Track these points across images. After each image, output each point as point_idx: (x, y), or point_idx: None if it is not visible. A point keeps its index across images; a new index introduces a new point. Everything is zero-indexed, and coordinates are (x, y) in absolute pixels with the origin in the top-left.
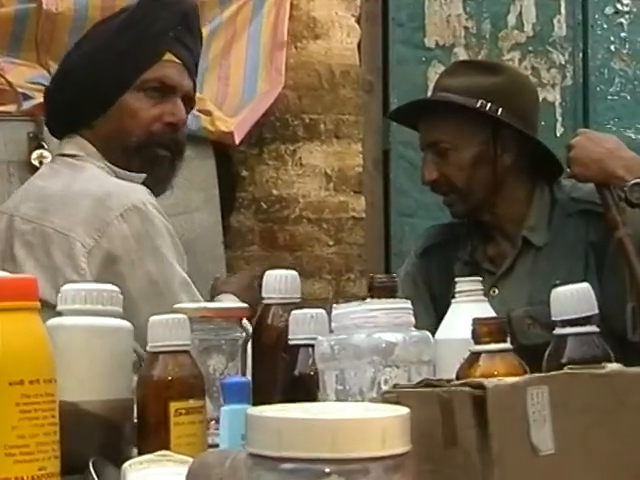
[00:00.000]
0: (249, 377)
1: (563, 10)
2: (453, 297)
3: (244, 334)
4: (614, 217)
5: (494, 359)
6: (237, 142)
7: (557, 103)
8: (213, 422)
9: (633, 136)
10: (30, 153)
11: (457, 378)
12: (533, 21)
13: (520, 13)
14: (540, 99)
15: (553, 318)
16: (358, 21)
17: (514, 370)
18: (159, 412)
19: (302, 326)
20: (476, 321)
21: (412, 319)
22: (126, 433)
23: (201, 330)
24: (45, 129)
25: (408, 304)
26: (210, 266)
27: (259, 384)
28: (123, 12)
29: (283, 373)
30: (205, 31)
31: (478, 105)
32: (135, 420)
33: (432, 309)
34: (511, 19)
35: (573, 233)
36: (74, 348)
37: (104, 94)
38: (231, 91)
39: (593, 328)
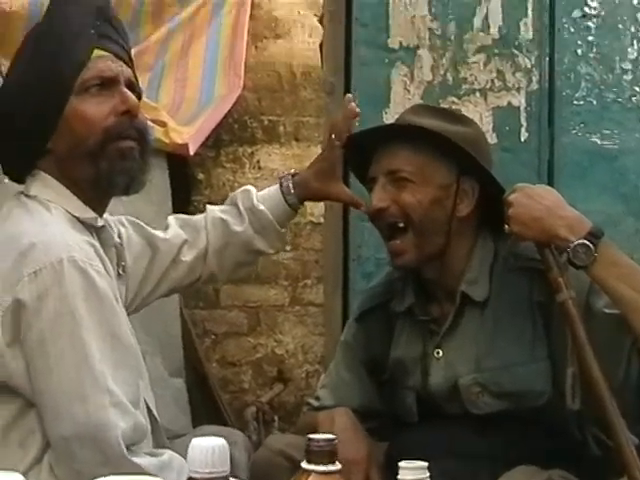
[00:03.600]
0: None
1: (530, 13)
2: (396, 363)
3: None
4: (556, 279)
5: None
6: (191, 153)
7: (522, 107)
8: None
9: (599, 142)
10: None
11: None
12: (499, 24)
13: (486, 15)
14: (505, 103)
15: None
16: (321, 21)
17: None
18: None
19: None
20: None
21: None
22: None
23: None
24: None
25: None
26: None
27: None
28: (37, 26)
29: None
30: (164, 30)
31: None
32: None
33: (366, 378)
34: (477, 21)
35: (516, 290)
36: None
37: (47, 112)
38: (188, 94)
39: None
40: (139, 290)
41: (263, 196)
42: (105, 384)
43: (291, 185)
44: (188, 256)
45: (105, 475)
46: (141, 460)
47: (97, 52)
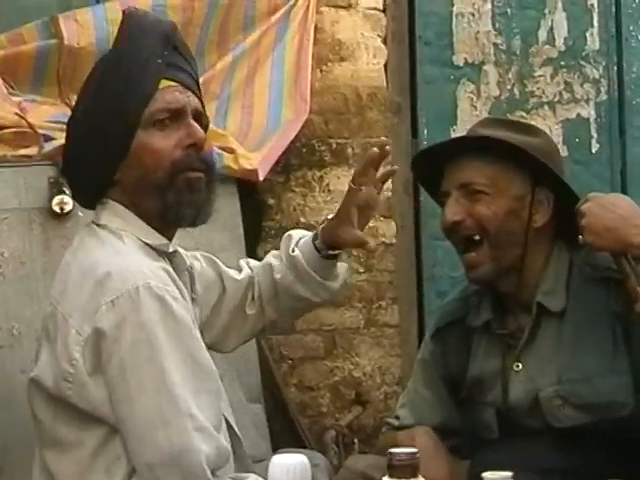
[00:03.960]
0: None
1: (596, 23)
2: (475, 379)
3: None
4: (634, 288)
5: None
6: (261, 179)
7: (592, 119)
8: None
9: None
10: (51, 199)
11: None
12: (565, 35)
13: (551, 28)
14: (574, 115)
15: None
16: (384, 41)
17: None
18: None
19: None
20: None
21: None
22: None
23: None
24: None
25: None
26: None
27: None
28: (105, 57)
29: None
30: (228, 59)
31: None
32: None
33: (446, 395)
34: (542, 34)
35: (594, 301)
36: None
37: (115, 145)
38: (255, 121)
39: None
40: (206, 324)
41: (302, 242)
42: (187, 409)
43: (319, 232)
44: (251, 308)
45: None
46: None
47: (164, 82)
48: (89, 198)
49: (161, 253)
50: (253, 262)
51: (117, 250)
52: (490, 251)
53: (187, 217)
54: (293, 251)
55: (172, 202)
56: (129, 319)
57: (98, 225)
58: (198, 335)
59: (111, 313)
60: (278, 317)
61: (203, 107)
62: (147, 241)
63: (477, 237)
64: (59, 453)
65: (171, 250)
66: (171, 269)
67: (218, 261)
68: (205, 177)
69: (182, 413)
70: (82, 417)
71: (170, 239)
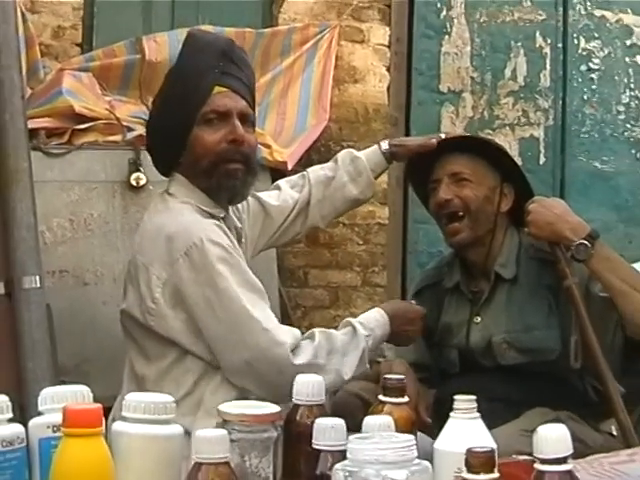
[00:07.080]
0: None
1: (548, 66)
2: (445, 327)
3: (276, 433)
4: (563, 269)
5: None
6: (289, 169)
7: (541, 139)
8: None
9: (599, 166)
10: (129, 175)
11: None
12: (524, 74)
13: (514, 68)
14: (528, 135)
15: (535, 455)
16: (388, 70)
17: None
18: None
19: (324, 434)
20: (469, 452)
21: (415, 453)
22: None
23: (240, 431)
24: (142, 156)
25: (412, 441)
26: (264, 279)
27: (288, 469)
28: (171, 68)
29: (307, 467)
30: (268, 76)
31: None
32: None
33: (421, 340)
34: (507, 72)
35: (537, 274)
36: (133, 452)
37: (178, 136)
38: (287, 124)
39: (568, 467)
40: (256, 245)
41: (364, 151)
42: (260, 322)
43: (387, 140)
44: (294, 215)
45: (284, 382)
46: (303, 358)
47: (217, 89)
48: (164, 170)
49: (216, 217)
50: (292, 179)
51: (181, 214)
52: (469, 223)
53: (223, 199)
54: (357, 154)
55: (214, 186)
56: (201, 264)
57: (168, 193)
58: (248, 269)
59: (187, 262)
60: (321, 219)
61: (252, 108)
62: (205, 208)
63: (461, 213)
64: (146, 361)
65: (222, 215)
66: (224, 226)
67: (259, 195)
68: (243, 167)
69: (259, 322)
70: (163, 340)
71: (224, 207)
